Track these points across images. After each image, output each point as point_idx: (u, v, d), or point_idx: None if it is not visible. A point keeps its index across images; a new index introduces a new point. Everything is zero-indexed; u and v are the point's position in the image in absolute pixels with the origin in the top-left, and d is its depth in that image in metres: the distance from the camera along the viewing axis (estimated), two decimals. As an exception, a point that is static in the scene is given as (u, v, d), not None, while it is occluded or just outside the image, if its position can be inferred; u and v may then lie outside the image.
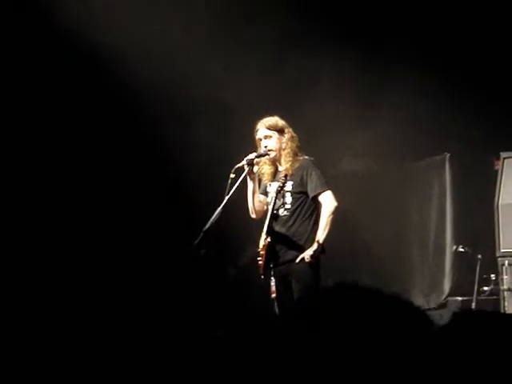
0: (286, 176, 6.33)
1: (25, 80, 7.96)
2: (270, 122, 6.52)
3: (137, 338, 7.22)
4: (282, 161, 6.49)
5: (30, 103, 8.04)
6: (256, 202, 6.57)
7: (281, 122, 6.55)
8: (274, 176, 6.57)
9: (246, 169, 6.35)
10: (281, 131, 6.51)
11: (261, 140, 6.51)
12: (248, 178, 6.43)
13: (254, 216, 6.63)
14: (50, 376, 5.58)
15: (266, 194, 6.60)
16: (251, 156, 6.39)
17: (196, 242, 6.10)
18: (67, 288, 7.91)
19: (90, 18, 7.81)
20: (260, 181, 6.61)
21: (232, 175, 6.26)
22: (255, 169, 6.46)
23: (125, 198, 8.37)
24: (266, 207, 6.58)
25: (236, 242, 8.65)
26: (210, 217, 6.17)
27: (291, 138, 6.51)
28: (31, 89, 7.99)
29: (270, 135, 6.49)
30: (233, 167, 6.31)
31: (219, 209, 6.17)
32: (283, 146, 6.48)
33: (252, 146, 6.56)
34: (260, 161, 6.50)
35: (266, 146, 6.47)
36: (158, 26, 8.08)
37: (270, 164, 6.58)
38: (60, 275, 7.97)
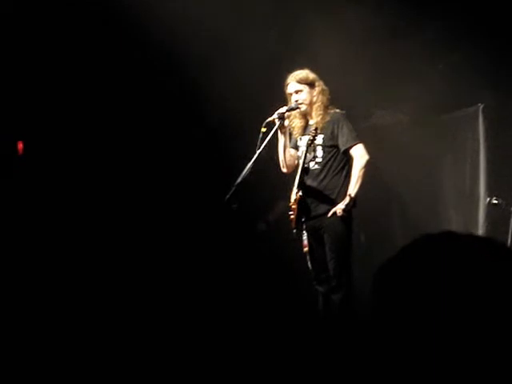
0: (316, 129, 6.30)
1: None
2: (301, 76, 6.47)
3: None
4: (313, 114, 6.45)
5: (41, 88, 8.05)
6: (287, 156, 6.55)
7: (311, 75, 6.50)
8: (305, 130, 6.54)
9: (277, 123, 6.33)
10: (311, 84, 6.46)
11: (291, 94, 6.47)
12: (279, 132, 6.41)
13: (285, 170, 6.62)
14: (50, 376, 5.61)
15: (296, 148, 6.58)
16: (282, 110, 6.36)
17: (228, 196, 6.10)
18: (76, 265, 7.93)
19: None
20: (291, 135, 6.58)
21: (263, 129, 6.25)
22: (286, 123, 6.43)
23: (159, 151, 8.39)
24: (296, 161, 6.56)
25: (267, 197, 8.64)
26: (242, 170, 6.16)
27: (322, 92, 6.47)
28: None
29: (301, 89, 6.45)
30: (264, 121, 6.29)
31: (250, 163, 6.16)
32: (314, 99, 6.44)
33: (283, 99, 6.52)
34: (291, 114, 6.47)
35: (296, 100, 6.43)
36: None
37: (300, 118, 6.54)
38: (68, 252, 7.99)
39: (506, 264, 1.50)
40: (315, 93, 6.44)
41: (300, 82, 6.46)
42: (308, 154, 6.35)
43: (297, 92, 6.45)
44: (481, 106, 8.60)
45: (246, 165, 6.16)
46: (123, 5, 7.82)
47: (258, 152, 6.19)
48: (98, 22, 7.95)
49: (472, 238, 1.56)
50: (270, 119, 6.31)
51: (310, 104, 6.44)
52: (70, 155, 8.19)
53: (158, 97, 8.36)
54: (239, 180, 6.13)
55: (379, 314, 1.51)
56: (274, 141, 6.43)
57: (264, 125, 6.27)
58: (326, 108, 6.44)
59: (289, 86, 6.49)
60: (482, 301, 1.43)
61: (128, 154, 8.34)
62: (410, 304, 1.47)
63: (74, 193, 8.14)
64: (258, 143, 6.21)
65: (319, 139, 6.35)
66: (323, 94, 6.46)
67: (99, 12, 7.88)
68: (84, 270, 7.78)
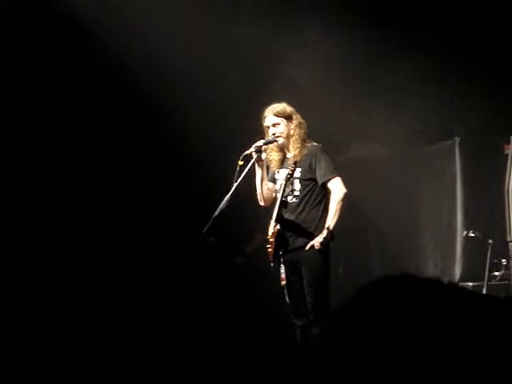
0: (295, 163, 6.29)
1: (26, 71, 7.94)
2: (278, 109, 6.48)
3: (142, 328, 7.22)
4: (291, 147, 6.45)
5: (30, 97, 8.01)
6: (264, 189, 6.54)
7: (289, 109, 6.50)
8: (283, 163, 6.53)
9: (255, 156, 6.32)
10: (289, 118, 6.47)
11: (269, 127, 6.47)
12: (256, 165, 6.40)
13: (262, 203, 6.60)
14: (50, 376, 5.57)
15: (274, 181, 6.57)
16: (259, 143, 6.36)
17: (205, 229, 6.07)
18: (70, 273, 7.89)
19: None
20: (268, 168, 6.58)
21: (240, 162, 6.23)
22: (263, 156, 6.42)
23: (133, 185, 8.35)
24: (274, 194, 6.54)
25: (244, 230, 8.62)
26: (219, 204, 6.14)
27: (299, 125, 6.47)
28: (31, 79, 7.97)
29: (278, 122, 6.45)
30: (241, 154, 6.28)
31: (228, 196, 6.14)
32: (291, 132, 6.44)
33: (260, 133, 6.52)
34: (268, 148, 6.46)
35: (274, 134, 6.43)
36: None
37: (278, 151, 6.53)
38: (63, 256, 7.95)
39: (469, 309, 1.49)
40: (293, 126, 6.45)
41: (277, 115, 6.46)
42: (286, 188, 6.34)
43: (274, 125, 6.45)
44: (457, 140, 8.66)
45: (223, 198, 6.14)
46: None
47: (235, 185, 6.17)
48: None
49: (432, 283, 1.54)
50: (247, 152, 6.31)
51: (288, 137, 6.44)
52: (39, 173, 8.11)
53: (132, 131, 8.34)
54: (216, 213, 6.10)
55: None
56: (252, 174, 6.43)
57: (241, 158, 6.26)
58: (303, 141, 6.44)
59: (266, 119, 6.49)
60: (453, 347, 1.42)
61: (105, 186, 8.30)
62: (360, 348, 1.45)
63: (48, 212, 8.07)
64: (235, 176, 6.19)
65: (297, 172, 6.34)
66: (300, 128, 6.47)
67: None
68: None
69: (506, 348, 1.44)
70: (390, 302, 1.48)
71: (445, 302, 1.48)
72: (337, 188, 6.33)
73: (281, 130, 6.43)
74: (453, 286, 1.54)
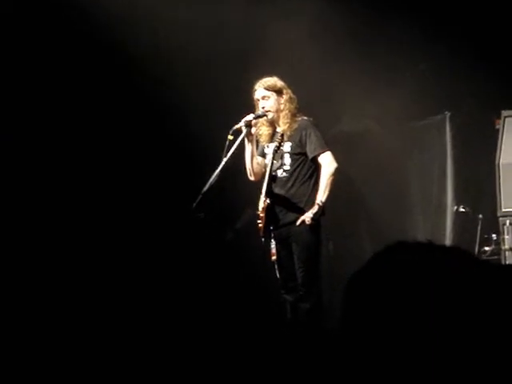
0: (282, 136, 6.26)
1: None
2: (269, 83, 6.44)
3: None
4: (280, 122, 6.41)
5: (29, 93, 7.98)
6: (254, 163, 6.51)
7: (279, 83, 6.47)
8: (272, 137, 6.50)
9: (244, 130, 6.28)
10: (279, 92, 6.43)
11: (259, 100, 6.43)
12: (246, 139, 6.36)
13: (252, 178, 6.57)
14: (50, 376, 5.56)
15: (264, 155, 6.54)
16: (249, 117, 6.32)
17: (194, 204, 6.04)
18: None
19: None
20: (258, 142, 6.54)
21: (230, 137, 6.20)
22: (253, 130, 6.38)
23: (122, 161, 8.31)
24: (264, 169, 6.51)
25: (234, 205, 8.60)
26: (208, 179, 6.10)
27: (289, 99, 6.44)
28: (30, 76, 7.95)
29: (268, 96, 6.41)
30: (231, 128, 6.24)
31: (217, 171, 6.11)
32: (281, 106, 6.41)
33: (250, 106, 6.48)
34: (258, 122, 6.42)
35: (263, 107, 6.39)
36: None
37: (267, 125, 6.50)
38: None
39: (473, 272, 1.47)
40: (283, 100, 6.41)
41: (268, 88, 6.42)
42: (275, 162, 6.31)
43: (264, 98, 6.41)
44: (448, 114, 8.63)
45: (213, 173, 6.11)
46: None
47: (224, 160, 6.13)
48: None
49: (439, 247, 1.53)
50: (236, 127, 6.27)
51: (277, 111, 6.41)
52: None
53: (125, 105, 8.29)
54: (206, 188, 6.07)
55: (347, 325, 1.47)
56: (241, 148, 6.39)
57: (231, 132, 6.22)
58: (293, 116, 6.41)
59: (256, 92, 6.45)
60: (452, 311, 1.40)
61: (93, 161, 8.26)
62: (379, 315, 1.43)
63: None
64: (225, 151, 6.16)
65: (287, 147, 6.31)
66: (291, 102, 6.43)
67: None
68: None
69: (503, 314, 1.43)
70: (404, 268, 1.46)
71: (452, 265, 1.47)
72: (327, 162, 6.30)
73: (270, 104, 6.40)
74: (458, 250, 1.53)
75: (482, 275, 1.46)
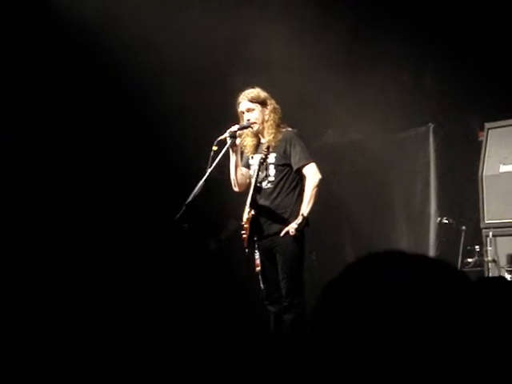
0: (268, 148, 6.26)
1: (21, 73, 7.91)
2: (252, 94, 6.44)
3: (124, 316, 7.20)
4: (265, 133, 6.42)
5: (26, 98, 7.98)
6: (239, 174, 6.51)
7: (263, 94, 6.47)
8: (257, 148, 6.50)
9: (229, 141, 6.28)
10: (263, 103, 6.44)
11: (243, 113, 6.43)
12: (230, 150, 6.36)
13: (236, 189, 6.57)
14: (50, 376, 5.54)
15: (248, 166, 6.54)
16: (234, 128, 6.32)
17: (178, 215, 6.03)
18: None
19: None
20: (242, 153, 6.54)
21: (214, 148, 6.19)
22: (238, 141, 6.38)
23: (106, 173, 8.30)
24: (248, 180, 6.52)
25: (218, 216, 8.59)
26: (193, 190, 6.09)
27: (274, 110, 6.44)
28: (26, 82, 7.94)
29: (253, 108, 6.41)
30: (215, 140, 6.24)
31: (201, 181, 6.10)
32: (266, 118, 6.41)
33: (235, 117, 6.48)
34: (242, 133, 6.42)
35: (248, 119, 6.39)
36: None
37: (252, 136, 6.50)
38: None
39: (454, 285, 1.47)
40: (267, 111, 6.42)
41: (252, 100, 6.43)
42: (260, 173, 6.31)
43: (248, 110, 6.41)
44: (431, 126, 8.67)
45: (197, 184, 6.10)
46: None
47: (209, 170, 6.13)
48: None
49: (419, 258, 1.52)
50: (221, 137, 6.27)
51: (262, 123, 6.41)
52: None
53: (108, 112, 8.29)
54: (190, 199, 6.06)
55: (318, 334, 1.47)
56: (226, 159, 6.39)
57: (215, 143, 6.22)
58: (278, 126, 6.41)
59: (240, 105, 6.45)
60: (428, 321, 1.39)
61: (80, 170, 8.26)
62: (350, 325, 1.43)
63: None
64: (209, 162, 6.15)
65: (271, 158, 6.32)
66: (275, 113, 6.44)
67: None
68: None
69: (477, 329, 1.43)
70: (378, 278, 1.46)
71: (432, 277, 1.46)
72: (311, 174, 6.31)
73: (255, 116, 6.40)
74: (440, 262, 1.52)
75: (454, 286, 1.46)
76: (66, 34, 7.89)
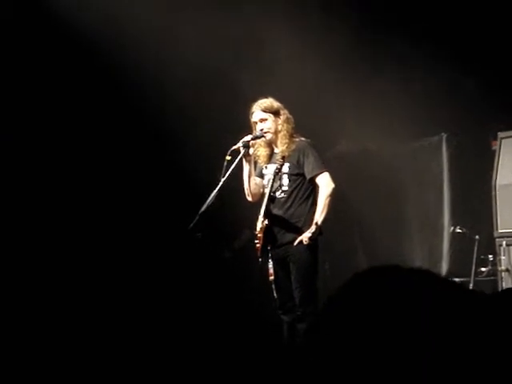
0: (283, 158, 6.28)
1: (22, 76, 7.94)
2: (265, 104, 6.46)
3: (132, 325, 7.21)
4: (278, 143, 6.43)
5: (26, 100, 8.01)
6: (252, 184, 6.52)
7: (276, 104, 6.49)
8: (270, 158, 6.51)
9: (242, 151, 6.29)
10: (276, 113, 6.45)
11: (256, 123, 6.45)
12: (244, 160, 6.38)
13: (250, 199, 6.58)
14: (50, 376, 5.56)
15: (261, 176, 6.55)
16: (247, 138, 6.34)
17: (192, 224, 6.05)
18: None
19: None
20: (256, 163, 6.56)
21: (228, 157, 6.21)
22: (251, 151, 6.40)
23: (121, 180, 8.32)
24: (261, 190, 6.53)
25: (232, 225, 8.61)
26: (206, 199, 6.11)
27: (287, 120, 6.46)
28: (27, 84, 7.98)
29: (266, 118, 6.43)
30: (229, 149, 6.26)
31: (215, 191, 6.12)
32: (279, 128, 6.43)
33: (248, 127, 6.50)
34: (256, 143, 6.44)
35: (261, 129, 6.41)
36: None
37: (265, 146, 6.52)
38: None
39: (463, 304, 1.48)
40: (280, 121, 6.43)
41: (265, 110, 6.44)
42: (274, 183, 6.33)
43: (262, 121, 6.43)
44: (444, 136, 8.67)
45: (211, 193, 6.12)
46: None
47: (222, 180, 6.15)
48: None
49: (411, 272, 1.53)
50: (234, 147, 6.28)
51: (275, 132, 6.43)
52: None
53: (122, 124, 8.32)
54: (203, 208, 6.08)
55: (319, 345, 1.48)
56: (239, 169, 6.41)
57: (229, 153, 6.23)
58: (291, 136, 6.43)
59: (254, 115, 6.47)
60: (437, 339, 1.41)
61: (94, 180, 8.28)
62: (351, 339, 1.44)
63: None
64: (223, 171, 6.17)
65: (285, 168, 6.33)
66: (288, 123, 6.45)
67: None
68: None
69: (493, 343, 1.44)
70: (378, 293, 1.47)
71: (434, 293, 1.47)
72: (325, 183, 6.32)
73: (268, 126, 6.42)
74: (443, 278, 1.53)
75: (455, 300, 1.47)
76: (66, 34, 7.91)
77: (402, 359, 1.38)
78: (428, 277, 1.50)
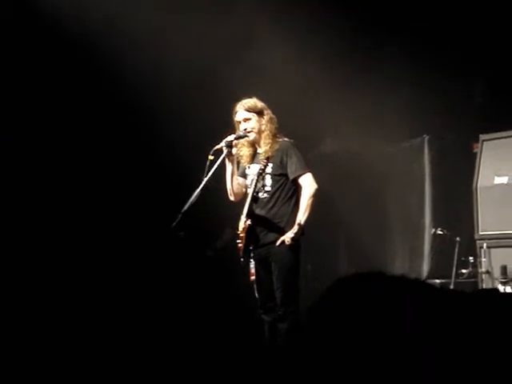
0: (267, 158, 6.29)
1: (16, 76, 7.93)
2: (249, 104, 6.46)
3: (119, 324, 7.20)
4: (262, 143, 6.44)
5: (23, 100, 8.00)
6: (235, 184, 6.52)
7: (259, 104, 6.49)
8: (253, 158, 6.52)
9: (225, 151, 6.29)
10: (260, 113, 6.46)
11: (240, 122, 6.45)
12: (227, 159, 6.38)
13: (232, 198, 6.59)
14: (50, 376, 5.55)
15: (244, 176, 6.55)
16: (230, 138, 6.33)
17: (174, 223, 6.04)
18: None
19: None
20: (238, 163, 6.56)
21: (211, 157, 6.20)
22: (234, 151, 6.40)
23: (104, 179, 8.31)
24: (244, 189, 6.53)
25: (214, 224, 8.61)
26: (189, 199, 6.11)
27: (270, 120, 6.46)
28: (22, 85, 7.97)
29: (249, 117, 6.43)
30: (211, 149, 6.26)
31: (197, 190, 6.11)
32: (262, 127, 6.43)
33: (231, 127, 6.51)
34: (239, 143, 6.44)
35: (245, 129, 6.41)
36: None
37: (248, 146, 6.52)
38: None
39: (445, 306, 1.49)
40: (264, 121, 6.43)
41: (248, 110, 6.45)
42: (257, 183, 6.34)
43: (245, 120, 6.43)
44: (426, 138, 8.71)
45: (193, 192, 6.12)
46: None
47: (205, 180, 6.15)
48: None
49: (394, 279, 1.55)
50: (217, 147, 6.28)
51: (259, 132, 6.44)
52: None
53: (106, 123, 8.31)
54: (186, 208, 6.08)
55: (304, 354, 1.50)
56: (222, 168, 6.41)
57: (212, 152, 6.23)
58: (274, 136, 6.43)
59: (237, 114, 6.47)
60: (422, 342, 1.42)
61: (78, 180, 8.27)
62: (330, 345, 1.45)
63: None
64: (206, 171, 6.17)
65: (268, 168, 6.33)
66: (271, 123, 6.46)
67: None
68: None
69: (474, 341, 1.45)
70: (358, 300, 1.48)
71: (412, 297, 1.49)
72: (308, 183, 6.33)
73: (252, 125, 6.42)
74: (419, 283, 1.55)
75: (437, 303, 1.48)
76: (64, 36, 7.90)
77: (387, 362, 1.39)
78: (409, 282, 1.52)
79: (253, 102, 6.48)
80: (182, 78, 8.00)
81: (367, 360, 1.41)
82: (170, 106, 8.06)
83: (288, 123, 6.66)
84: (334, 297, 1.51)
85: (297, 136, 6.62)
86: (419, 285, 1.54)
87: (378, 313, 1.45)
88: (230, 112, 6.50)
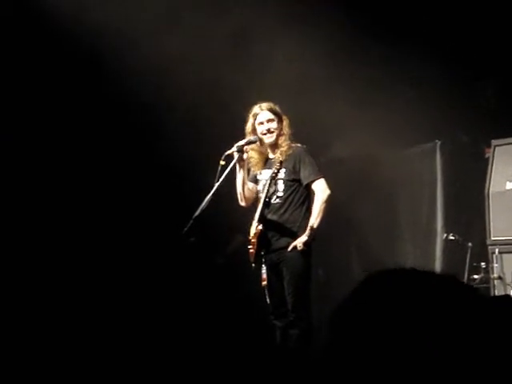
0: (281, 163, 6.28)
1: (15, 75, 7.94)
2: (272, 106, 6.45)
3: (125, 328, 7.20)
4: (278, 146, 6.41)
5: (23, 100, 8.01)
6: (245, 189, 6.52)
7: (278, 108, 6.49)
8: (265, 163, 6.51)
9: (236, 156, 6.29)
10: (280, 116, 6.46)
11: (262, 123, 6.40)
12: (238, 165, 6.37)
13: (243, 204, 6.58)
14: (50, 376, 5.55)
15: (255, 181, 6.54)
16: (241, 142, 6.33)
17: (185, 229, 6.04)
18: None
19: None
20: (250, 168, 6.55)
21: (222, 162, 6.19)
22: (245, 156, 6.39)
23: (114, 185, 8.31)
24: (255, 195, 6.52)
25: (225, 230, 8.60)
26: (200, 204, 6.11)
27: (288, 125, 6.47)
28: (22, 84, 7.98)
29: (273, 118, 6.41)
30: (223, 154, 6.25)
31: (209, 196, 6.11)
32: (282, 131, 6.43)
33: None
34: (250, 148, 6.43)
35: (269, 129, 6.37)
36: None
37: (259, 151, 6.51)
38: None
39: (461, 300, 1.48)
40: (283, 125, 6.43)
41: (271, 111, 6.42)
42: (270, 188, 6.33)
43: (269, 121, 6.40)
44: (438, 143, 8.68)
45: (205, 198, 6.12)
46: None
47: (216, 185, 6.14)
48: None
49: (427, 274, 1.54)
50: (228, 152, 6.27)
51: (278, 135, 6.42)
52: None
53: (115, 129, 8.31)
54: (197, 213, 6.07)
55: (332, 353, 1.48)
56: (233, 174, 6.40)
57: (223, 158, 6.22)
58: (290, 141, 6.44)
59: (259, 116, 6.41)
60: (440, 338, 1.41)
61: (87, 183, 8.27)
62: (365, 343, 1.44)
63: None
64: (217, 176, 6.16)
65: (281, 173, 6.33)
66: (289, 127, 6.47)
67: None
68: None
69: (501, 345, 1.44)
70: (395, 294, 1.47)
71: (442, 292, 1.48)
72: (321, 189, 6.32)
73: (275, 126, 6.41)
74: (449, 277, 1.54)
75: (465, 302, 1.47)
76: (64, 36, 7.90)
77: (423, 360, 1.38)
78: (441, 278, 1.51)
79: (273, 104, 6.47)
80: (182, 78, 7.98)
81: (405, 357, 1.40)
82: (170, 106, 8.06)
83: (298, 128, 6.64)
84: (366, 292, 1.50)
85: (307, 141, 6.60)
86: (452, 281, 1.53)
87: (412, 308, 1.44)
88: (231, 111, 6.47)
